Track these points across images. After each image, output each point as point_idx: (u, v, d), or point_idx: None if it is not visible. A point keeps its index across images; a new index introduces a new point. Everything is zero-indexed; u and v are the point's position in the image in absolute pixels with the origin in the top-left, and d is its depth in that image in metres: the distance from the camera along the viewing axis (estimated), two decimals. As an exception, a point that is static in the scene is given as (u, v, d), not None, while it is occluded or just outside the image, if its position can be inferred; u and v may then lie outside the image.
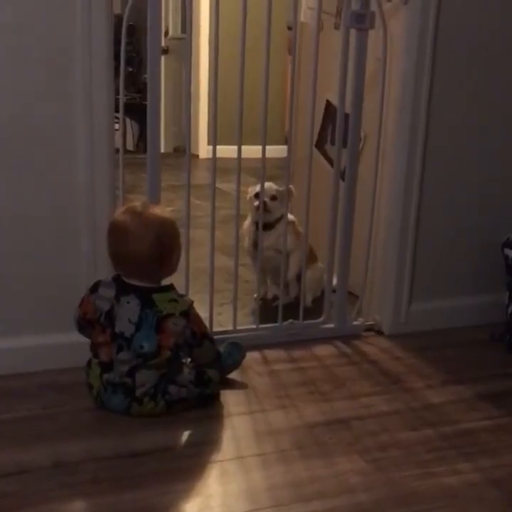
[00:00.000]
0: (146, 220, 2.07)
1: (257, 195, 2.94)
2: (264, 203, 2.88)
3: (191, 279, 2.54)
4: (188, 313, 2.10)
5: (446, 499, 1.79)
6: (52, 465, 1.85)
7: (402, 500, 1.78)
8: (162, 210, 2.16)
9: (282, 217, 2.93)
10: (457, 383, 2.43)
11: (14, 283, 2.30)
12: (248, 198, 2.96)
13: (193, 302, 2.15)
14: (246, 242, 3.02)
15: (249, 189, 2.97)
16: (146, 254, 2.05)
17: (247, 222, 3.03)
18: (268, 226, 2.88)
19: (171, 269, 2.16)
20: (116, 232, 2.08)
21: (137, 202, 2.17)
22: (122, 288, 2.10)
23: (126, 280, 2.10)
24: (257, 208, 2.91)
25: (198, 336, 2.14)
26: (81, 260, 2.33)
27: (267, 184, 2.90)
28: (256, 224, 2.92)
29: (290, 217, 2.95)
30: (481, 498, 1.80)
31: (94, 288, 2.13)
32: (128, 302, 2.07)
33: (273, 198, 2.92)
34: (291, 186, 2.88)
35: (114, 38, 2.23)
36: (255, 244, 2.90)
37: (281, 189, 2.94)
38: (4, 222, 2.25)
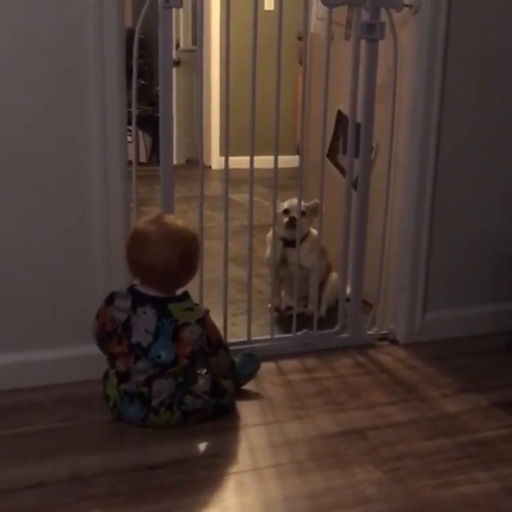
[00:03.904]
0: (173, 233, 2.10)
1: (285, 212, 2.94)
2: (294, 219, 2.88)
3: (205, 290, 2.54)
4: (204, 321, 2.12)
5: (464, 509, 1.77)
6: (70, 478, 1.85)
7: (420, 510, 1.77)
8: (186, 224, 2.17)
9: (308, 233, 2.96)
10: (473, 392, 2.42)
11: (29, 297, 2.31)
12: (279, 212, 2.89)
13: (208, 311, 2.17)
14: (267, 252, 3.02)
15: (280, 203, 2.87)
16: (168, 267, 2.08)
17: (270, 234, 2.98)
18: (294, 242, 2.83)
19: (187, 281, 2.18)
20: (141, 241, 2.10)
21: (163, 213, 2.18)
22: (138, 298, 2.11)
23: (141, 290, 2.12)
24: (286, 224, 2.91)
25: (214, 344, 2.15)
26: (95, 273, 2.34)
27: (296, 200, 2.85)
28: (282, 240, 2.94)
29: (316, 233, 2.93)
30: (499, 507, 1.79)
31: (110, 300, 2.14)
32: (144, 312, 2.09)
33: (301, 214, 2.86)
34: (317, 201, 2.80)
35: (125, 51, 2.25)
36: (283, 260, 2.94)
37: (309, 205, 2.93)
38: (18, 235, 2.26)
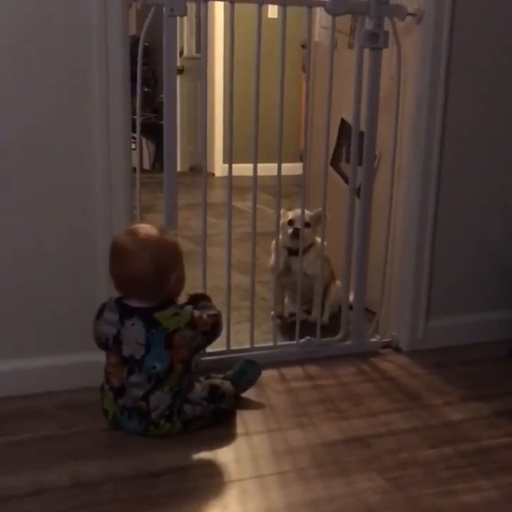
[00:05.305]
0: (143, 242, 2.07)
1: (290, 222, 2.95)
2: (298, 230, 2.89)
3: (208, 298, 2.54)
4: (193, 323, 2.10)
5: (467, 517, 1.78)
6: (72, 485, 1.85)
7: (422, 518, 1.77)
8: (163, 232, 2.15)
9: (313, 243, 2.97)
10: (476, 400, 2.41)
11: (31, 304, 2.31)
12: (281, 223, 2.88)
13: (193, 311, 2.14)
14: (271, 260, 3.02)
15: (281, 211, 2.85)
16: (142, 276, 2.05)
17: (274, 242, 3.00)
18: (299, 251, 2.83)
19: (175, 290, 2.15)
20: (116, 254, 2.09)
21: (140, 224, 2.18)
22: (124, 311, 2.09)
23: (127, 302, 2.10)
24: (291, 235, 2.93)
25: (210, 331, 2.14)
26: (98, 280, 2.33)
27: (300, 211, 2.84)
28: (287, 249, 2.96)
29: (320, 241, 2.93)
30: (501, 516, 1.79)
31: (100, 312, 2.13)
32: (133, 324, 2.07)
33: (306, 225, 2.88)
34: (321, 209, 2.78)
35: (130, 59, 2.26)
36: (287, 268, 2.97)
37: (313, 214, 2.93)
38: (20, 242, 2.27)
